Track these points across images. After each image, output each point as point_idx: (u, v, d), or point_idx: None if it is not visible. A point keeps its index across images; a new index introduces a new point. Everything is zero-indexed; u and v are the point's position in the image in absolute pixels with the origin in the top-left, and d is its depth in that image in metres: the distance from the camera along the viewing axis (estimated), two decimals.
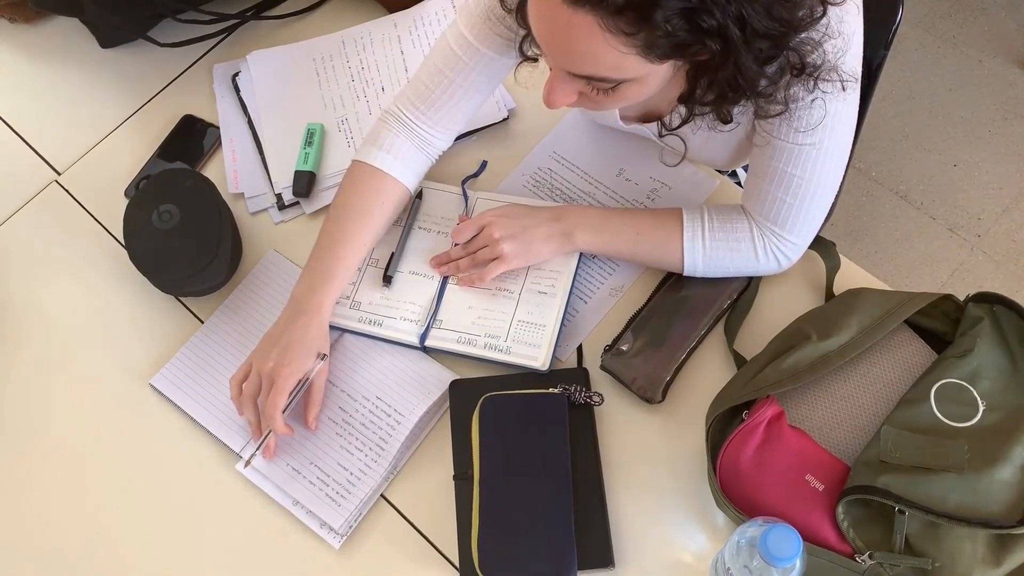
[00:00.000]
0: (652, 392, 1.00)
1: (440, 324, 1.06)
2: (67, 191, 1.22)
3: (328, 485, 1.00)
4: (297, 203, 1.18)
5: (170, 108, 1.27)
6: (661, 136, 1.03)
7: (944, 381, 0.91)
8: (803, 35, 0.79)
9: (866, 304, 0.97)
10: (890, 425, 0.89)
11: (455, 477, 0.99)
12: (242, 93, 1.25)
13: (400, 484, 1.01)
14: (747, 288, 1.06)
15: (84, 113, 1.28)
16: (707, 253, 1.02)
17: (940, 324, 0.99)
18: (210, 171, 1.22)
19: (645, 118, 1.09)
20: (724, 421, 0.96)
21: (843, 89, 0.86)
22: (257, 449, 0.99)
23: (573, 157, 1.18)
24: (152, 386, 1.07)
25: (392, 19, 1.30)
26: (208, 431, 1.04)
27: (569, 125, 1.21)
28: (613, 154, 1.18)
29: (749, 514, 0.89)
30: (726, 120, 0.88)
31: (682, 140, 1.05)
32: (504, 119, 1.21)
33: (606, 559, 0.94)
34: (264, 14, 1.33)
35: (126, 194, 1.21)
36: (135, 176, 1.22)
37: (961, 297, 0.98)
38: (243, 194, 1.19)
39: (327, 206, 1.16)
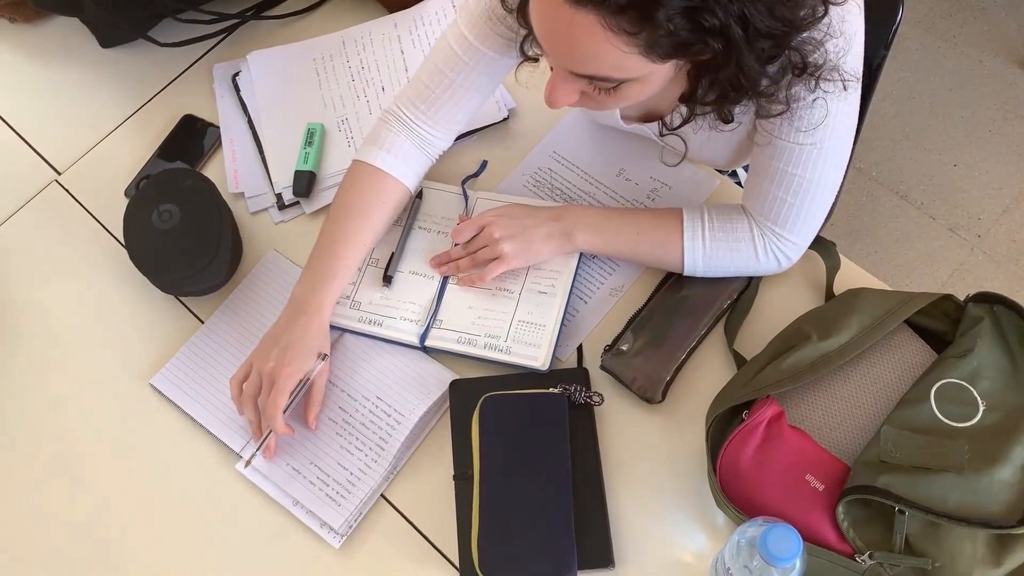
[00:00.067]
0: (652, 392, 1.00)
1: (440, 324, 1.06)
2: (67, 191, 1.22)
3: (328, 485, 1.00)
4: (297, 203, 1.18)
5: (170, 108, 1.27)
6: (662, 136, 1.03)
7: (944, 381, 0.91)
8: (805, 34, 0.79)
9: (866, 304, 0.97)
10: (890, 425, 0.89)
11: (455, 477, 0.99)
12: (242, 93, 1.25)
13: (400, 484, 1.01)
14: (747, 288, 1.06)
15: (84, 113, 1.28)
16: (707, 253, 1.02)
17: (940, 324, 0.99)
18: (210, 171, 1.22)
19: (646, 118, 1.09)
20: (724, 421, 0.96)
21: (844, 89, 0.86)
22: (257, 449, 0.99)
23: (573, 157, 1.18)
24: (152, 386, 1.07)
25: (392, 19, 1.30)
26: (208, 431, 1.04)
27: (569, 125, 1.21)
28: (613, 154, 1.18)
29: (749, 514, 0.89)
30: (727, 120, 0.88)
31: (683, 140, 1.05)
32: (504, 119, 1.21)
33: (606, 559, 0.94)
34: (264, 14, 1.33)
35: (126, 194, 1.21)
36: (135, 176, 1.22)
37: (961, 297, 0.98)
38: (243, 194, 1.19)
39: (327, 206, 1.16)
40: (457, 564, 0.96)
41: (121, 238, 1.15)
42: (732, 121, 0.88)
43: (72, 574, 0.99)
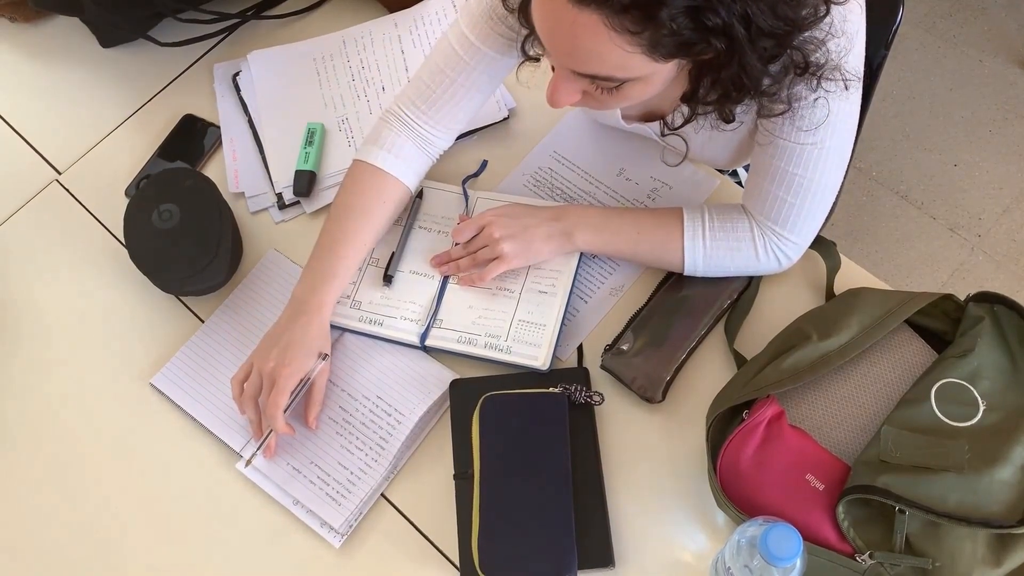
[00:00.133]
0: (652, 392, 1.00)
1: (440, 323, 1.06)
2: (67, 190, 1.22)
3: (328, 484, 1.00)
4: (298, 202, 1.18)
5: (170, 107, 1.27)
6: (663, 135, 1.03)
7: (944, 381, 0.91)
8: (807, 34, 0.79)
9: (866, 304, 0.97)
10: (890, 425, 0.89)
11: (455, 476, 0.99)
12: (243, 92, 1.25)
13: (400, 483, 1.01)
14: (747, 288, 1.06)
15: (85, 112, 1.28)
16: (707, 252, 1.02)
17: (940, 324, 0.99)
18: (210, 170, 1.22)
19: (647, 117, 1.09)
20: (724, 421, 0.96)
21: (846, 88, 0.86)
22: (258, 449, 0.99)
23: (573, 157, 1.18)
24: (153, 385, 1.07)
25: (392, 19, 1.30)
26: (209, 430, 1.04)
27: (569, 125, 1.21)
28: (614, 154, 1.18)
29: (749, 514, 0.89)
30: (729, 119, 0.88)
31: (684, 140, 1.05)
32: (505, 119, 1.21)
33: (606, 558, 0.94)
34: (264, 14, 1.33)
35: (126, 193, 1.21)
36: (136, 175, 1.22)
37: (961, 297, 0.98)
38: (243, 193, 1.19)
39: (328, 205, 1.16)
40: (457, 564, 0.96)
41: (121, 238, 1.15)
42: (734, 121, 0.88)
43: (72, 574, 0.99)
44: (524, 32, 0.90)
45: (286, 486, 1.00)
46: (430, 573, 0.96)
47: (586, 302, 1.09)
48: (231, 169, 1.21)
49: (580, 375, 1.03)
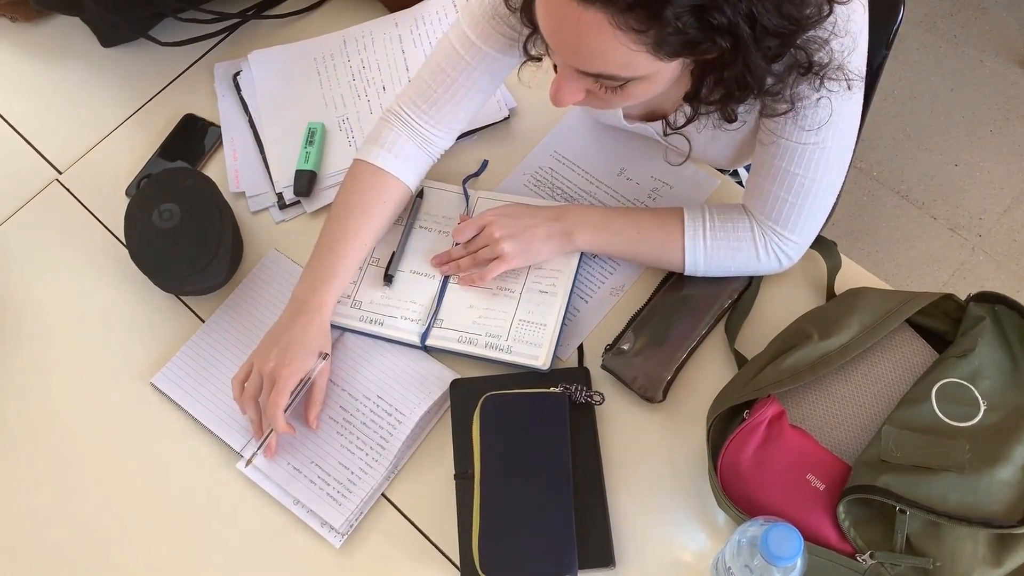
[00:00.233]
0: (653, 391, 1.00)
1: (441, 323, 1.06)
2: (68, 190, 1.22)
3: (328, 484, 1.00)
4: (298, 202, 1.18)
5: (171, 107, 1.27)
6: (665, 135, 1.03)
7: (945, 381, 0.91)
8: (811, 33, 0.79)
9: (867, 304, 0.96)
10: (891, 425, 0.89)
11: (456, 476, 0.99)
12: (243, 92, 1.25)
13: (401, 483, 1.01)
14: (748, 287, 1.06)
15: (85, 112, 1.28)
16: (708, 252, 1.02)
17: (941, 324, 0.99)
18: (211, 170, 1.22)
19: (649, 117, 1.09)
20: (725, 420, 0.96)
21: (848, 88, 0.85)
22: (259, 448, 0.99)
23: (574, 156, 1.18)
24: (153, 385, 1.07)
25: (393, 18, 1.30)
26: (209, 430, 1.04)
27: (570, 124, 1.20)
28: (614, 153, 1.18)
29: (750, 513, 0.89)
30: (731, 119, 0.88)
31: (686, 139, 1.05)
32: (505, 118, 1.21)
33: (607, 558, 0.94)
34: (265, 13, 1.33)
35: (127, 193, 1.21)
36: (136, 175, 1.22)
37: (962, 297, 0.98)
38: (244, 193, 1.19)
39: (328, 205, 1.16)
40: (458, 563, 0.96)
41: (122, 237, 1.15)
42: (736, 120, 0.88)
43: (72, 574, 0.99)
44: (526, 32, 0.90)
45: (286, 486, 1.00)
46: (430, 573, 0.96)
47: (587, 302, 1.09)
48: (231, 169, 1.21)
49: (581, 375, 1.03)
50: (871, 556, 0.86)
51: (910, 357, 0.97)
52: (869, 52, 0.91)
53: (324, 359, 1.01)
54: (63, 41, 1.34)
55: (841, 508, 0.87)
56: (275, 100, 1.24)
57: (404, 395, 1.03)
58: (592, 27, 0.73)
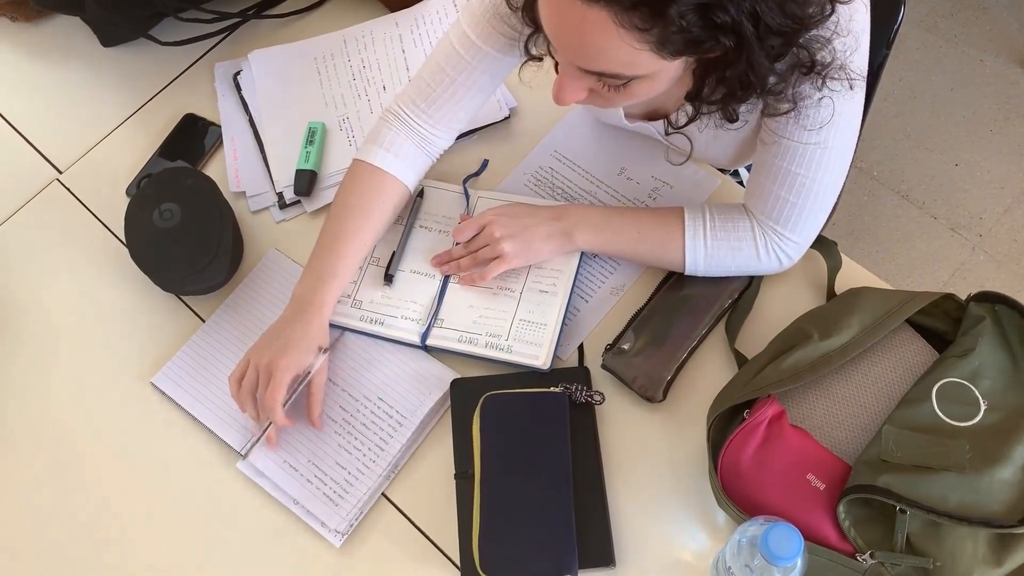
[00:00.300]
0: (653, 391, 1.00)
1: (441, 323, 1.06)
2: (68, 190, 1.22)
3: (325, 484, 1.00)
4: (298, 202, 1.18)
5: (171, 107, 1.27)
6: (667, 135, 1.03)
7: (945, 380, 0.91)
8: (813, 32, 0.79)
9: (867, 303, 0.96)
10: (891, 424, 0.89)
11: (456, 476, 0.99)
12: (243, 92, 1.25)
13: (401, 483, 1.01)
14: (748, 287, 1.06)
15: (85, 112, 1.28)
16: (708, 252, 1.02)
17: (941, 323, 0.98)
18: (211, 170, 1.22)
19: (650, 116, 1.08)
20: (725, 420, 0.96)
21: (851, 88, 0.85)
22: (257, 440, 0.99)
23: (574, 156, 1.18)
24: (153, 385, 1.07)
25: (393, 18, 1.29)
26: (209, 429, 1.04)
27: (570, 124, 1.20)
28: (615, 153, 1.18)
29: (750, 513, 0.89)
30: (733, 119, 0.88)
31: (688, 138, 1.05)
32: (505, 118, 1.21)
33: (607, 558, 0.94)
34: (265, 13, 1.33)
35: (127, 193, 1.21)
36: (136, 175, 1.22)
37: (963, 296, 0.98)
38: (244, 193, 1.19)
39: (328, 205, 1.16)
40: (458, 563, 0.96)
41: (122, 237, 1.15)
42: (738, 120, 0.88)
43: (72, 574, 0.99)
44: (526, 31, 0.90)
45: (286, 485, 1.00)
46: (431, 572, 0.96)
47: (587, 301, 1.09)
48: (232, 168, 1.20)
49: (581, 374, 1.03)
50: (871, 556, 0.86)
51: (910, 357, 0.97)
52: (870, 52, 0.91)
53: (323, 353, 1.01)
54: (63, 41, 1.34)
55: (841, 508, 0.87)
56: (275, 100, 1.24)
57: (404, 395, 1.03)
58: (595, 25, 0.72)
